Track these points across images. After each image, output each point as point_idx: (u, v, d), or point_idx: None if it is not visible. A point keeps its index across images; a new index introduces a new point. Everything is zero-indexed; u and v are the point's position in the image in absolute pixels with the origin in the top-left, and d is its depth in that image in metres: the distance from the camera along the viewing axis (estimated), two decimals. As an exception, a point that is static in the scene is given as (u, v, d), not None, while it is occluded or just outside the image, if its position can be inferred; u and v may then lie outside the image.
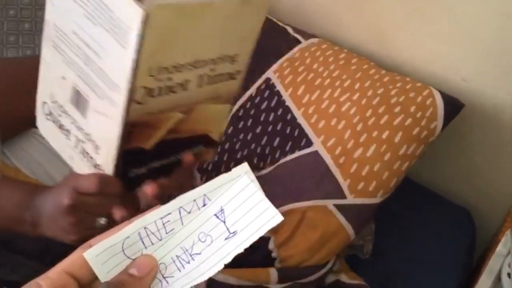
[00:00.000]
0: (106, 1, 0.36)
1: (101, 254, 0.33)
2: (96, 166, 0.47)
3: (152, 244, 0.35)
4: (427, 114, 0.78)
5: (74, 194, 0.47)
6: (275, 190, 0.79)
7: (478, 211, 0.97)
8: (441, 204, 0.98)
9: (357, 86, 0.82)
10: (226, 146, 0.86)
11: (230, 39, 0.43)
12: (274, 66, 0.88)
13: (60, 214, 0.48)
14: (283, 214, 0.78)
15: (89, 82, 0.42)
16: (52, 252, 0.63)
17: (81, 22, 0.40)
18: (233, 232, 0.35)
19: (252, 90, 0.87)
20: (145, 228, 0.35)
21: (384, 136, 0.77)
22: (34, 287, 0.30)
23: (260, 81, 0.87)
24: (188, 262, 0.34)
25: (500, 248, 0.75)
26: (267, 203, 0.35)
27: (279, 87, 0.86)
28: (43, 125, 0.52)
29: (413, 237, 0.93)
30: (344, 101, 0.80)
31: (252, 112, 0.86)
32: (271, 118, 0.84)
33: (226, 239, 0.35)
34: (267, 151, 0.84)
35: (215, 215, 0.35)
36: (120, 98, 0.40)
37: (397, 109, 0.78)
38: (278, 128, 0.83)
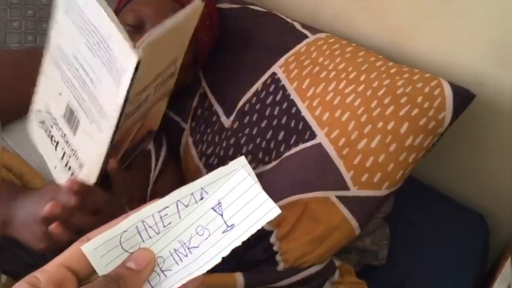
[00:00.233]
0: (107, 38, 0.39)
1: (99, 248, 0.33)
2: None
3: (150, 237, 0.35)
4: (435, 105, 0.76)
5: (53, 207, 0.48)
6: (279, 184, 0.78)
7: (492, 216, 0.94)
8: (454, 208, 0.96)
9: (362, 77, 0.80)
10: (232, 141, 0.86)
11: (175, 47, 0.46)
12: (280, 61, 0.87)
13: (34, 222, 0.50)
14: (286, 206, 0.78)
15: (83, 104, 0.44)
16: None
17: (82, 49, 0.42)
18: (231, 226, 0.35)
19: (257, 85, 0.87)
20: (142, 221, 0.35)
21: (389, 127, 0.75)
22: (32, 281, 0.30)
23: (265, 76, 0.87)
24: (186, 256, 0.34)
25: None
26: (264, 196, 0.35)
27: (284, 81, 0.85)
28: (34, 131, 0.54)
29: (426, 241, 0.91)
30: (349, 93, 0.79)
31: (257, 106, 0.86)
32: (276, 112, 0.84)
33: (223, 232, 0.35)
34: (272, 145, 0.83)
35: (213, 208, 0.35)
36: (108, 127, 0.42)
37: (403, 100, 0.76)
38: (283, 122, 0.83)
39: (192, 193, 0.36)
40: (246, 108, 0.87)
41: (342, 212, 0.73)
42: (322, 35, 0.90)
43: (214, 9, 0.90)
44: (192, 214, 0.35)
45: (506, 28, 0.79)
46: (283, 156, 0.81)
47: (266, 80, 0.87)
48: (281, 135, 0.82)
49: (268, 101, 0.85)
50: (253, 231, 0.34)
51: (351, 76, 0.81)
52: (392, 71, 0.81)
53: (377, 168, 0.73)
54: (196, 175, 0.89)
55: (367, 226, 0.83)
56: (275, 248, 0.76)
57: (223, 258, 0.34)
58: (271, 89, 0.86)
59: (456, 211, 0.95)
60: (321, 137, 0.77)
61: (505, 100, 0.85)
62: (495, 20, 0.80)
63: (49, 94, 0.49)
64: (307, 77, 0.83)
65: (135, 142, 0.51)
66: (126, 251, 0.34)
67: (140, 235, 0.34)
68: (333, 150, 0.76)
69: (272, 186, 0.78)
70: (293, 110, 0.82)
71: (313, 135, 0.78)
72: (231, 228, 0.35)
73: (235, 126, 0.87)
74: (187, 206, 0.35)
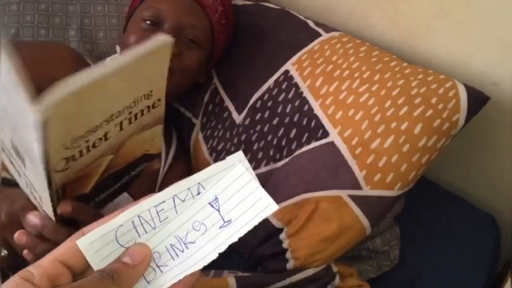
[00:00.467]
0: (13, 93, 0.32)
1: (94, 242, 0.33)
2: (43, 210, 0.47)
3: (146, 232, 0.34)
4: (449, 106, 0.75)
5: (20, 235, 0.48)
6: (290, 181, 0.78)
7: (502, 217, 0.93)
8: (466, 210, 0.95)
9: (376, 77, 0.80)
10: (243, 137, 0.86)
11: (139, 84, 0.39)
12: (293, 59, 0.87)
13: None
14: (296, 204, 0.76)
15: (21, 143, 0.39)
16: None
17: (2, 90, 0.36)
18: (228, 221, 0.34)
19: (270, 82, 0.87)
20: (138, 216, 0.34)
21: (403, 127, 0.74)
22: (26, 276, 0.30)
23: (278, 74, 0.87)
24: (182, 251, 0.34)
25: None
26: (262, 191, 0.35)
27: (297, 79, 0.85)
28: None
29: (437, 243, 0.91)
30: (362, 92, 0.79)
31: (269, 104, 0.86)
32: (288, 109, 0.83)
33: (220, 227, 0.34)
34: (283, 143, 0.83)
35: (210, 203, 0.35)
36: (39, 171, 0.37)
37: (417, 100, 0.76)
38: (295, 119, 0.82)
39: (189, 188, 0.35)
40: (258, 105, 0.87)
41: (354, 211, 0.73)
42: (336, 33, 0.89)
43: (229, 7, 0.90)
44: (188, 209, 0.35)
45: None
46: (294, 154, 0.81)
47: (278, 78, 0.87)
48: (293, 133, 0.82)
49: (281, 98, 0.85)
50: (250, 227, 0.34)
51: (365, 75, 0.80)
52: (407, 71, 0.80)
53: (390, 168, 0.73)
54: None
55: (377, 227, 0.83)
56: (284, 245, 0.76)
57: (219, 254, 0.34)
58: (284, 86, 0.85)
59: (467, 212, 0.94)
60: (334, 136, 0.77)
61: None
62: (510, 20, 0.79)
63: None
64: (320, 75, 0.83)
65: (117, 171, 0.47)
66: (122, 246, 0.34)
67: (136, 230, 0.34)
68: (346, 149, 0.75)
69: (283, 184, 0.78)
70: (306, 108, 0.82)
71: (325, 134, 0.78)
72: (228, 224, 0.34)
73: (246, 122, 0.86)
74: (183, 201, 0.35)
